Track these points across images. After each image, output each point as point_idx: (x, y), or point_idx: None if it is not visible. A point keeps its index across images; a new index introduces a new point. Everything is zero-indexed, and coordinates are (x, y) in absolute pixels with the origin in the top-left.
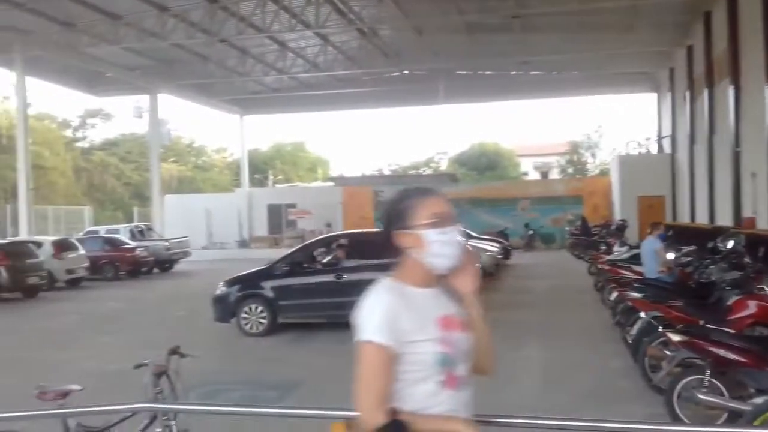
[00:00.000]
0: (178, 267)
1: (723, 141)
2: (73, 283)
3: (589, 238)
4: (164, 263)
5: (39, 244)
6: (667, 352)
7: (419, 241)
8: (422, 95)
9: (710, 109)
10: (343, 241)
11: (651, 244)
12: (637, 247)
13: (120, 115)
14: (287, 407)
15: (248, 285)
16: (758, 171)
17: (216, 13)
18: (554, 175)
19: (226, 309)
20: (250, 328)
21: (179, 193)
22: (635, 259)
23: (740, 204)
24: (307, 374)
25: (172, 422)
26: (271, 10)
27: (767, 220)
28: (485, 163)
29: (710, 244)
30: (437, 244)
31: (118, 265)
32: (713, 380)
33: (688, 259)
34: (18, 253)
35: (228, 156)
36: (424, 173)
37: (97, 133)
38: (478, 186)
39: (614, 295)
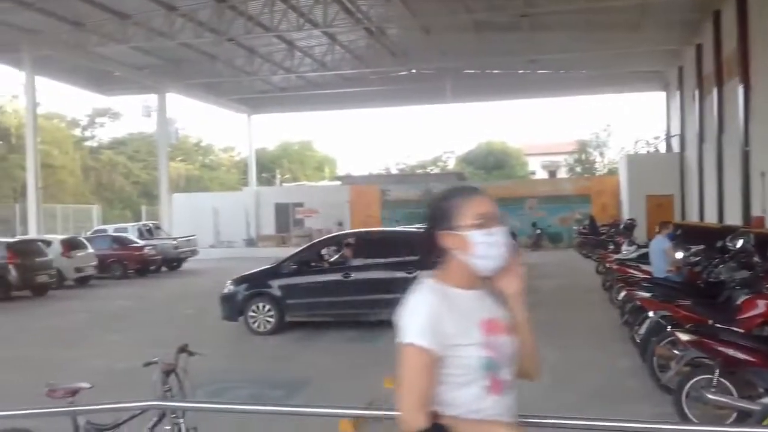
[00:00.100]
0: (186, 265)
1: (732, 140)
2: (82, 282)
3: (597, 238)
4: (172, 262)
5: (48, 243)
6: (676, 352)
7: (464, 243)
8: (430, 94)
9: (719, 107)
10: (350, 240)
11: (659, 244)
12: (646, 246)
13: (128, 115)
14: (295, 405)
15: (256, 283)
16: (767, 170)
17: (224, 13)
18: (562, 174)
19: (233, 307)
20: (258, 326)
21: (187, 192)
22: (644, 258)
23: (749, 203)
24: (314, 373)
25: (181, 420)
26: (279, 9)
27: None
28: (493, 162)
29: (719, 244)
30: (483, 246)
31: (127, 264)
32: (722, 380)
33: (697, 258)
34: (27, 251)
35: (235, 155)
36: (432, 172)
37: (105, 132)
38: (486, 185)
39: (622, 294)
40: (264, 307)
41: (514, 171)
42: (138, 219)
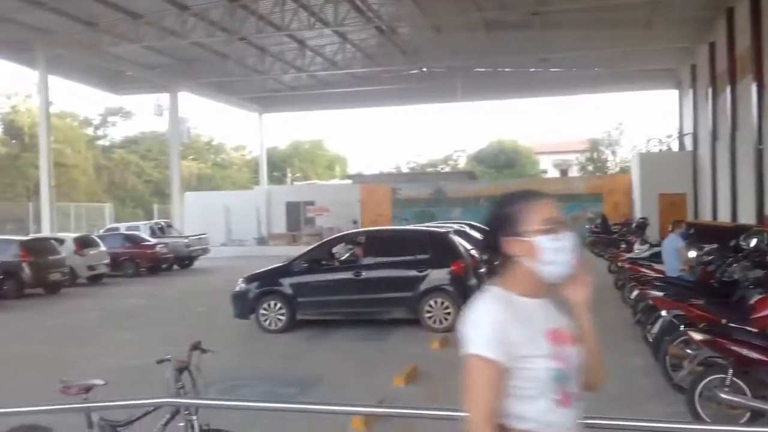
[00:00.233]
0: (198, 264)
1: (746, 138)
2: (95, 280)
3: (609, 236)
4: (184, 260)
5: (61, 241)
6: (689, 351)
7: (530, 249)
8: (440, 93)
9: (733, 106)
10: (361, 239)
11: (672, 242)
12: (658, 245)
13: (140, 114)
14: (307, 402)
15: (267, 282)
16: None
17: (235, 12)
18: (574, 172)
19: (245, 305)
20: (269, 324)
21: (199, 191)
22: (656, 257)
23: (763, 202)
24: (325, 371)
25: (194, 417)
26: (290, 8)
27: None
28: (504, 161)
29: (732, 242)
30: (550, 252)
31: (139, 262)
32: (735, 379)
33: (710, 257)
34: (40, 249)
35: (247, 154)
36: (443, 171)
37: (117, 131)
38: (497, 184)
39: (635, 293)
40: (275, 305)
41: (525, 170)
42: (150, 217)
